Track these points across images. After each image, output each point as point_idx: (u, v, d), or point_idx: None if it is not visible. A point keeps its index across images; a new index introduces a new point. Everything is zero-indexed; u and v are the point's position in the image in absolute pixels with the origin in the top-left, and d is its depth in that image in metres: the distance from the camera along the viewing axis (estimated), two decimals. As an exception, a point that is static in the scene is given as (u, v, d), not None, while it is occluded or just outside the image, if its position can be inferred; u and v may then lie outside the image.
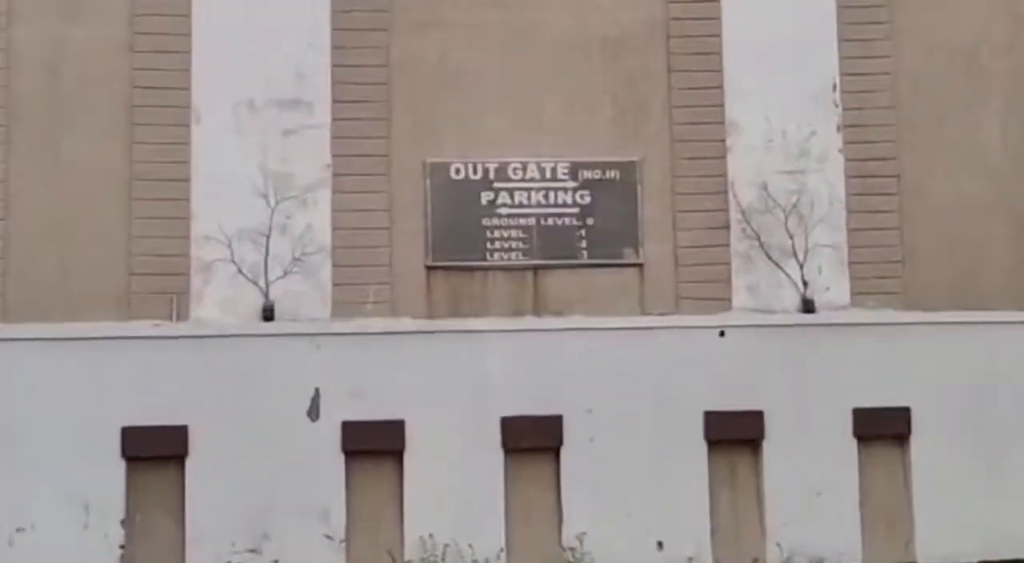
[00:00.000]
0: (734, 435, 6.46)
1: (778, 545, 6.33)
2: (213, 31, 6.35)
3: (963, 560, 6.34)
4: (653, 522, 6.29)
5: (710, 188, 6.70)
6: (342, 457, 6.20)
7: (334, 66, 6.46)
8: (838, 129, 6.79)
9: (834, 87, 6.79)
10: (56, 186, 6.24)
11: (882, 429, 6.54)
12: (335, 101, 6.46)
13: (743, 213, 6.68)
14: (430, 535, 6.07)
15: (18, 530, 5.89)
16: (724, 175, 6.70)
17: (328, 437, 6.20)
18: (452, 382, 6.27)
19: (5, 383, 5.94)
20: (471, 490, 6.25)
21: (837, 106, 6.80)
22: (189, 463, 6.06)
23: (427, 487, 6.21)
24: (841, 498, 6.43)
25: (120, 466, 6.06)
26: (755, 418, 6.46)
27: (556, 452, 6.41)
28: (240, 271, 6.27)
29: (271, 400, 6.11)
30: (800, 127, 6.72)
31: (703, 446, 6.44)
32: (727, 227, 6.69)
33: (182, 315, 6.19)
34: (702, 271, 6.65)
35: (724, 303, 6.64)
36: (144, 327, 6.10)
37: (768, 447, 6.46)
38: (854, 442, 6.51)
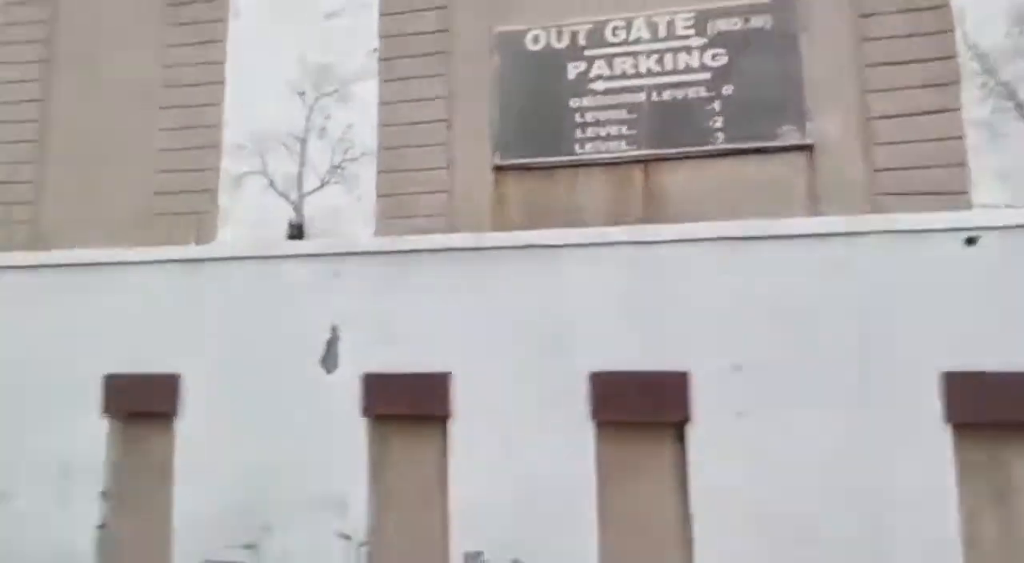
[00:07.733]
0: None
1: None
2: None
3: None
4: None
5: (924, 24, 4.64)
6: (363, 423, 4.53)
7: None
8: None
9: None
10: (92, 101, 5.74)
11: None
12: (385, -32, 5.40)
13: (980, 59, 4.58)
14: (482, 551, 4.23)
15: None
16: (946, 2, 4.66)
17: (345, 396, 4.56)
18: (521, 322, 4.42)
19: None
20: (547, 478, 4.24)
21: None
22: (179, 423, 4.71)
23: (481, 470, 4.34)
24: None
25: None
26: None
27: (680, 428, 4.24)
28: (271, 184, 5.33)
29: (275, 346, 4.63)
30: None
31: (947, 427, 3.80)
32: (957, 82, 4.57)
33: (206, 236, 5.33)
34: (915, 151, 4.47)
35: (959, 198, 4.34)
36: (140, 253, 4.93)
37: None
38: None
